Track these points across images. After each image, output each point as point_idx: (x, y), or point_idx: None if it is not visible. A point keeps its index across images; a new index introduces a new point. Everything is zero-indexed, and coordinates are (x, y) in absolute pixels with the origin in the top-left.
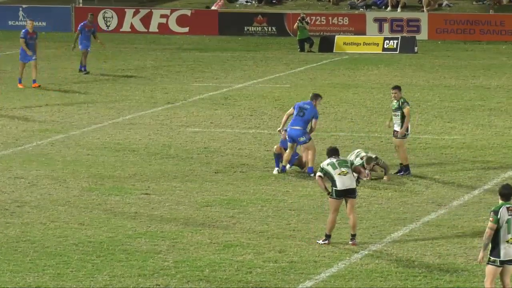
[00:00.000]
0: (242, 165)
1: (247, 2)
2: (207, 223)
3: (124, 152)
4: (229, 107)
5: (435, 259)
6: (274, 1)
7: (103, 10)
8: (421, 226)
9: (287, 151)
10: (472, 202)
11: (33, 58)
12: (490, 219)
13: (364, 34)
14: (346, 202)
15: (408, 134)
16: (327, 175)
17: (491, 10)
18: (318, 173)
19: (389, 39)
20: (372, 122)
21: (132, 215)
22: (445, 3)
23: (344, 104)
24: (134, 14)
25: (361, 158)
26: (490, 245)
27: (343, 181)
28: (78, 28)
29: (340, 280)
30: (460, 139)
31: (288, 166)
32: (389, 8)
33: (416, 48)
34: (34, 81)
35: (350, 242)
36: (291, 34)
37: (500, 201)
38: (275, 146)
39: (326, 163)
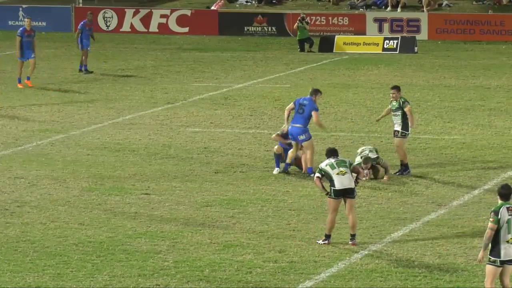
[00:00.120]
0: (242, 165)
1: (247, 2)
2: (207, 223)
3: (124, 152)
4: (229, 107)
5: (435, 259)
6: (274, 1)
7: (103, 10)
8: (421, 226)
9: (292, 149)
10: (472, 202)
11: (32, 56)
12: (491, 219)
13: (364, 34)
14: (345, 202)
15: (408, 133)
16: (325, 175)
17: (490, 11)
18: (317, 174)
19: (389, 39)
20: (372, 122)
21: (132, 215)
22: (445, 3)
23: (344, 104)
24: (134, 14)
25: (361, 158)
26: (490, 245)
27: (341, 181)
28: (79, 27)
29: (340, 280)
30: (460, 139)
31: (282, 166)
32: (389, 8)
33: (416, 48)
34: (28, 77)
35: (350, 242)
36: (291, 34)
37: (500, 201)
38: (276, 147)
39: (324, 164)
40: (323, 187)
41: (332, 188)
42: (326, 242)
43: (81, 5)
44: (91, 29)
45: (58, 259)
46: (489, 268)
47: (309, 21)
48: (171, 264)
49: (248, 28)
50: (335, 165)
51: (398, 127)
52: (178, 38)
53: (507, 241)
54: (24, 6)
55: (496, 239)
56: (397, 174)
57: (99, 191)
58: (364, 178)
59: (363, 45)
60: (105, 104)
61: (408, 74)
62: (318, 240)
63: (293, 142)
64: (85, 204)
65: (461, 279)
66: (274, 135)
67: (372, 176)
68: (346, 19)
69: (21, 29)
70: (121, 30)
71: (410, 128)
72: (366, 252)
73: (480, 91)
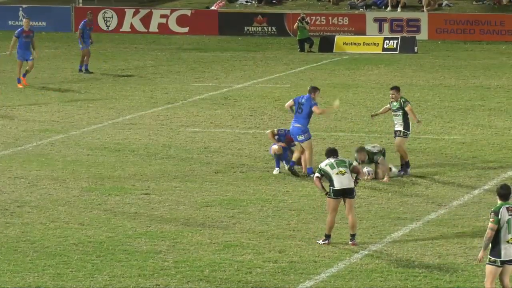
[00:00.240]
0: (242, 165)
1: (247, 2)
2: (207, 223)
3: (124, 152)
4: (229, 107)
5: (435, 259)
6: (274, 1)
7: (103, 10)
8: (421, 226)
9: (295, 147)
10: (472, 202)
11: (30, 58)
12: (491, 219)
13: (364, 34)
14: (345, 202)
15: (408, 133)
16: (325, 175)
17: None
18: (316, 174)
19: (389, 39)
20: (372, 122)
21: (132, 215)
22: (445, 3)
23: (344, 104)
24: (134, 14)
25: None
26: (490, 245)
27: (340, 181)
28: (80, 27)
29: (340, 280)
30: (460, 139)
31: (282, 166)
32: (389, 8)
33: (416, 48)
34: (24, 74)
35: (350, 242)
36: (291, 34)
37: (499, 201)
38: (276, 147)
39: (324, 164)
40: (322, 187)
41: (331, 188)
42: (326, 242)
43: (81, 5)
44: (91, 28)
45: (58, 259)
46: (489, 268)
47: (309, 21)
48: (171, 264)
49: (248, 28)
50: (335, 165)
51: (399, 127)
52: (178, 38)
53: (507, 241)
54: (24, 6)
55: (496, 239)
56: (402, 173)
57: (99, 191)
58: (366, 177)
59: (363, 45)
60: (105, 104)
61: (408, 74)
62: (318, 240)
63: (296, 142)
64: (85, 204)
65: (461, 279)
66: (269, 131)
67: (373, 176)
68: (346, 19)
69: (19, 29)
70: (121, 30)
71: (411, 128)
72: (366, 252)
73: (480, 91)
